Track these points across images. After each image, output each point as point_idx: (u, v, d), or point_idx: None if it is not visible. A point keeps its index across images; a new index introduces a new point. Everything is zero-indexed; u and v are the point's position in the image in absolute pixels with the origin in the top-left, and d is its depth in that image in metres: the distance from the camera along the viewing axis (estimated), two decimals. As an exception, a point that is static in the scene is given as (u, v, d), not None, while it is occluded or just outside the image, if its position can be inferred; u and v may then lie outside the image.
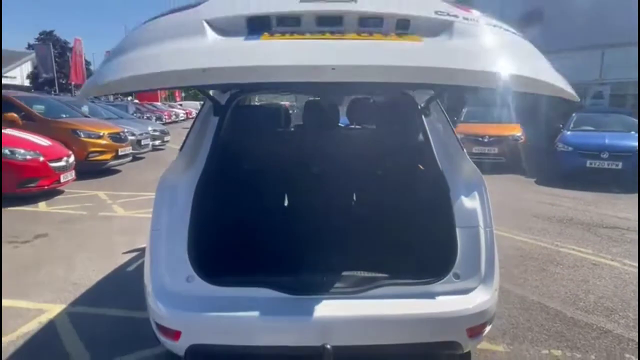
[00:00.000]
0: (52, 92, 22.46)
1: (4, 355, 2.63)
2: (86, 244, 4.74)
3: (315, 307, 1.94)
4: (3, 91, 10.10)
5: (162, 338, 2.08)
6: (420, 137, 2.63)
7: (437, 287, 2.06)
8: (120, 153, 9.54)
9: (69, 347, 2.71)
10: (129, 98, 29.55)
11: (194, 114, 16.52)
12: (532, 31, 13.83)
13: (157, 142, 13.62)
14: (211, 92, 2.63)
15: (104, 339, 2.79)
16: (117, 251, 4.45)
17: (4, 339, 2.79)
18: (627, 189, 8.03)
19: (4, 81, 35.81)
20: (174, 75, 1.57)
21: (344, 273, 2.20)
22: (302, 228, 2.59)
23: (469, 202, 2.23)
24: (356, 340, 2.00)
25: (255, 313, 1.93)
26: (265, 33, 1.61)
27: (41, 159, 6.69)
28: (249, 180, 2.70)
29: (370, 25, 1.65)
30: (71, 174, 7.35)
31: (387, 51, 1.55)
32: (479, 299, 2.06)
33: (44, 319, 3.07)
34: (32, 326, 2.96)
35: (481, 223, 2.20)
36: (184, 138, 2.60)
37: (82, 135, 9.01)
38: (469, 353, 2.59)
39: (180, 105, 36.50)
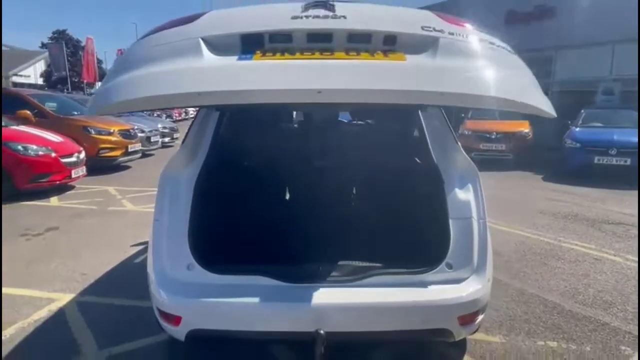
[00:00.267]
0: (65, 90, 22.82)
1: (17, 339, 2.74)
2: (96, 237, 4.87)
3: (310, 295, 2.01)
4: (17, 89, 10.33)
5: (164, 324, 2.17)
6: (417, 131, 2.68)
7: (429, 276, 2.12)
8: (130, 149, 9.71)
9: (77, 334, 2.81)
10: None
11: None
12: (543, 27, 13.72)
13: (166, 139, 13.81)
14: None
15: (111, 327, 2.89)
16: (125, 244, 4.57)
17: (16, 325, 2.91)
18: (635, 186, 7.94)
19: (19, 80, 36.49)
20: (172, 98, 1.66)
21: (339, 262, 2.26)
22: (300, 219, 2.66)
23: (463, 194, 2.28)
24: (349, 327, 2.07)
25: (253, 300, 2.00)
26: (258, 52, 1.67)
27: (53, 154, 6.86)
28: (249, 173, 2.78)
29: (359, 41, 1.70)
30: (82, 170, 7.52)
31: (370, 74, 1.59)
32: (471, 288, 2.11)
33: (54, 307, 3.19)
34: (42, 314, 3.08)
35: (474, 215, 2.25)
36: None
37: (93, 132, 9.20)
38: (464, 342, 2.67)
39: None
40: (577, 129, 9.74)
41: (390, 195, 2.70)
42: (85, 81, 26.52)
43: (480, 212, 2.27)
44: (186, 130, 2.77)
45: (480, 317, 2.24)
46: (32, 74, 40.64)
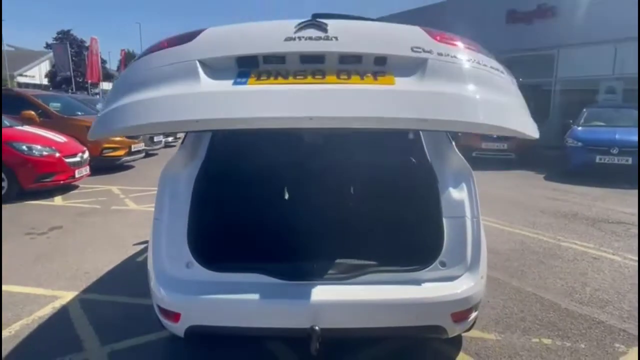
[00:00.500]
0: (69, 90, 22.96)
1: (21, 336, 2.81)
2: (99, 236, 4.94)
3: (306, 292, 2.05)
4: (22, 90, 10.42)
5: (164, 320, 2.22)
6: (411, 131, 2.72)
7: (423, 274, 2.16)
8: (133, 149, 9.79)
9: (79, 330, 2.87)
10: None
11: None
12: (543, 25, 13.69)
13: (169, 139, 13.88)
14: None
15: (113, 324, 2.95)
16: (127, 243, 4.63)
17: (21, 322, 2.98)
18: (636, 185, 7.96)
19: (23, 80, 36.76)
20: (170, 124, 1.74)
21: (335, 260, 2.31)
22: (296, 218, 2.71)
23: (456, 194, 2.32)
24: (344, 323, 2.11)
25: (249, 297, 2.05)
26: (253, 76, 1.72)
27: (57, 154, 6.94)
28: (247, 173, 2.83)
29: (350, 62, 1.75)
30: (86, 170, 7.61)
31: (360, 100, 1.62)
32: (464, 285, 2.15)
33: (57, 304, 3.25)
34: (46, 311, 3.14)
35: (468, 213, 2.29)
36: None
37: (97, 132, 9.26)
38: (459, 339, 2.71)
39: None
40: (579, 128, 9.74)
41: (385, 194, 2.75)
42: (89, 81, 26.66)
43: (473, 211, 2.31)
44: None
45: (473, 314, 2.28)
46: (37, 74, 40.96)
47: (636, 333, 2.91)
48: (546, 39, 13.77)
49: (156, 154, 12.08)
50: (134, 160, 10.11)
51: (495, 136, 10.78)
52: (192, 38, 1.84)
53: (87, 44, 35.84)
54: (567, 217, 6.01)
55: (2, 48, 24.21)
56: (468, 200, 2.32)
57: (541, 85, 15.26)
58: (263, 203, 2.82)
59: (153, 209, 2.38)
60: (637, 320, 3.09)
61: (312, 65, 1.74)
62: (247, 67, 1.76)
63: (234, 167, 2.75)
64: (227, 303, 2.08)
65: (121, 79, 1.97)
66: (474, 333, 2.77)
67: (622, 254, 4.47)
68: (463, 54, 1.81)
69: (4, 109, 7.44)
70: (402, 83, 1.70)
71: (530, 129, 1.74)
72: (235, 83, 1.71)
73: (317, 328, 1.96)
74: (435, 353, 2.64)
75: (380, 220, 2.68)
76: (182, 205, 2.26)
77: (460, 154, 2.59)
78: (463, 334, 2.68)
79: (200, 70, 1.72)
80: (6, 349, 2.66)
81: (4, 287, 3.50)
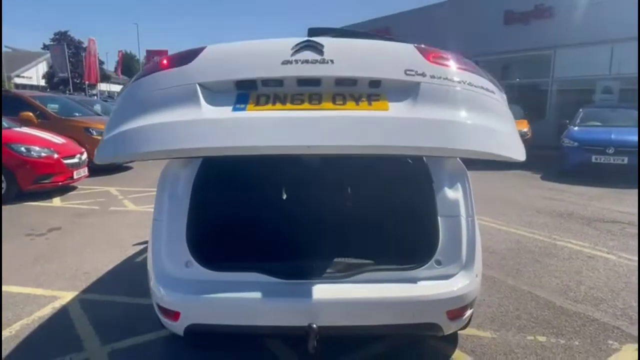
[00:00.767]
0: (67, 92, 22.95)
1: (22, 336, 2.83)
2: (98, 237, 4.96)
3: (304, 291, 2.09)
4: (19, 91, 10.43)
5: (164, 319, 2.25)
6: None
7: (419, 272, 2.19)
8: (131, 150, 9.78)
9: (79, 330, 2.90)
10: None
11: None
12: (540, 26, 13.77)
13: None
14: None
15: (113, 324, 2.97)
16: (126, 243, 4.66)
17: (21, 322, 3.00)
18: (633, 184, 8.03)
19: (21, 81, 36.68)
20: (172, 152, 1.79)
21: (332, 259, 2.34)
22: (294, 218, 2.75)
23: (451, 193, 2.35)
24: (341, 321, 2.14)
25: (248, 295, 2.08)
26: (251, 101, 1.77)
27: (55, 156, 6.96)
28: (245, 173, 2.86)
29: (345, 84, 1.80)
30: (84, 171, 7.63)
31: (355, 128, 1.68)
32: (459, 283, 2.18)
33: (57, 304, 3.28)
34: (46, 311, 3.17)
35: (463, 213, 2.32)
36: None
37: (95, 133, 9.29)
38: (455, 337, 2.75)
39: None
40: (575, 128, 9.80)
41: (381, 194, 2.78)
42: (87, 82, 26.64)
43: (468, 210, 2.35)
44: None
45: (469, 312, 2.32)
46: (34, 75, 40.85)
47: (629, 330, 2.95)
48: (543, 39, 13.86)
49: (154, 155, 12.07)
50: (132, 161, 10.11)
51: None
52: (192, 59, 1.87)
53: (84, 45, 35.80)
54: (562, 216, 6.06)
55: (2, 49, 24.19)
56: (463, 199, 2.35)
57: (538, 85, 15.36)
58: (261, 203, 2.86)
59: (151, 210, 2.41)
60: (630, 318, 3.13)
61: (309, 88, 1.80)
62: (246, 89, 1.81)
63: (233, 167, 2.78)
64: (226, 302, 2.11)
65: (124, 100, 1.99)
66: (469, 331, 2.81)
67: (617, 253, 4.52)
68: (455, 75, 1.85)
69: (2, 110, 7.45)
70: (395, 109, 1.75)
71: (517, 153, 1.79)
72: (235, 109, 1.75)
73: (314, 326, 2.00)
74: (432, 351, 2.68)
75: (376, 219, 2.71)
76: (182, 205, 2.29)
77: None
78: (459, 332, 2.71)
79: (200, 94, 1.76)
80: (7, 349, 2.68)
81: (3, 288, 3.52)
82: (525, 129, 11.19)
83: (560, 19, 13.47)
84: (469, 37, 15.09)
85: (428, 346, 2.71)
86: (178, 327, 2.20)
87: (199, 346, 2.67)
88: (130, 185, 8.05)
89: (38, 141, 7.07)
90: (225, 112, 1.74)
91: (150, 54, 27.95)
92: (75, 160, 7.33)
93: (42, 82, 40.20)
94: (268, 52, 1.88)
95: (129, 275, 3.88)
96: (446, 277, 2.20)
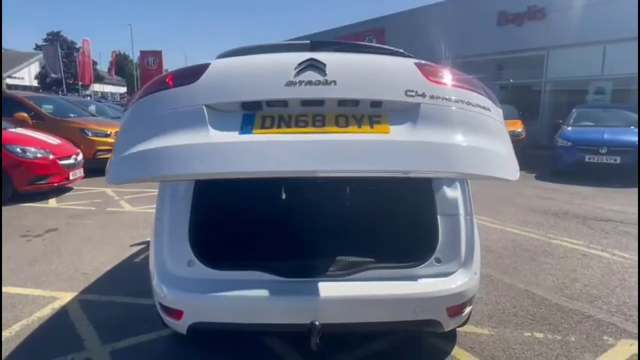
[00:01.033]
0: (60, 92, 22.81)
1: (22, 336, 2.83)
2: (95, 238, 4.95)
3: (306, 289, 2.12)
4: (13, 91, 10.36)
5: (166, 318, 2.27)
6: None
7: (419, 270, 2.23)
8: (127, 151, 9.75)
9: (80, 330, 2.90)
10: (135, 97, 29.78)
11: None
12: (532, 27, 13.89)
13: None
14: None
15: (113, 323, 2.98)
16: (124, 244, 4.66)
17: (21, 322, 3.00)
18: (625, 183, 8.16)
19: (13, 82, 36.39)
20: (180, 176, 1.84)
21: (334, 258, 2.37)
22: (296, 217, 2.77)
23: (450, 192, 2.39)
24: (343, 318, 2.17)
25: (251, 294, 2.11)
26: (257, 121, 1.81)
27: (51, 157, 6.93)
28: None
29: (348, 105, 1.84)
30: (80, 172, 7.60)
31: (358, 153, 1.73)
32: (458, 281, 2.22)
33: (57, 305, 3.28)
34: (45, 312, 3.17)
35: (462, 211, 2.36)
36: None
37: (90, 134, 9.27)
38: (454, 334, 2.79)
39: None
40: (569, 128, 9.91)
41: (381, 193, 2.81)
42: (80, 83, 26.51)
43: (467, 209, 2.39)
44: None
45: (468, 309, 2.35)
46: (27, 75, 40.56)
47: (624, 326, 3.00)
48: (536, 40, 13.99)
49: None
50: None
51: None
52: (197, 77, 1.88)
53: (77, 46, 35.57)
54: (557, 215, 6.14)
55: (1, 50, 23.94)
56: (462, 198, 2.39)
57: (531, 85, 15.49)
58: (263, 202, 2.88)
59: (148, 211, 2.43)
60: (624, 314, 3.19)
61: (312, 109, 1.84)
62: (252, 110, 1.85)
63: None
64: (229, 300, 2.13)
65: (131, 118, 2.01)
66: (468, 328, 2.84)
67: (611, 251, 4.59)
68: (453, 94, 1.88)
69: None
70: (396, 132, 1.79)
71: (510, 174, 1.85)
72: (242, 131, 1.79)
73: (317, 323, 2.02)
74: (432, 348, 2.71)
75: (377, 218, 2.74)
76: (184, 204, 2.30)
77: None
78: (458, 329, 2.75)
79: (207, 116, 1.79)
80: (8, 349, 2.68)
81: (2, 289, 3.51)
82: (519, 129, 11.29)
83: (553, 20, 13.60)
84: (462, 38, 15.19)
85: (428, 343, 2.74)
86: (181, 325, 2.21)
87: (201, 345, 2.69)
88: (126, 186, 8.01)
89: (33, 142, 7.03)
90: (233, 136, 1.77)
91: (145, 54, 27.85)
92: (71, 161, 7.31)
93: (35, 83, 39.92)
94: (272, 72, 1.90)
95: (128, 275, 3.88)
96: (446, 274, 2.24)
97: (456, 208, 2.36)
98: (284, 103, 1.84)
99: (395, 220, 2.63)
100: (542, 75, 14.59)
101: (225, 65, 2.09)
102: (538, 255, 4.44)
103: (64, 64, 26.85)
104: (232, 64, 2.12)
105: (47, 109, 9.69)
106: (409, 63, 1.99)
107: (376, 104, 1.85)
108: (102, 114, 12.15)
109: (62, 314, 3.16)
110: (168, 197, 2.36)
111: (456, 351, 2.68)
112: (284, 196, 3.18)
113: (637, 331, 2.94)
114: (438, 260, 2.25)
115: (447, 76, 1.95)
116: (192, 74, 1.91)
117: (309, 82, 1.81)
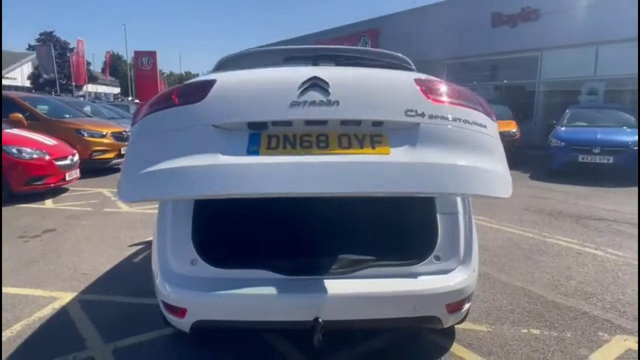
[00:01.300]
0: (53, 93, 22.67)
1: (24, 336, 2.84)
2: (93, 238, 4.95)
3: (309, 287, 2.15)
4: (8, 92, 10.31)
5: (170, 316, 2.29)
6: None
7: (419, 268, 2.27)
8: (123, 152, 9.73)
9: (81, 330, 2.91)
10: (130, 98, 29.76)
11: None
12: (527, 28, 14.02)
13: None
14: None
15: (114, 323, 2.99)
16: (123, 244, 4.67)
17: (22, 322, 3.01)
18: (618, 183, 8.28)
19: (5, 82, 36.08)
20: (192, 196, 1.92)
21: (336, 256, 2.40)
22: (298, 216, 2.80)
23: None
24: (345, 315, 2.21)
25: (255, 292, 2.13)
26: (264, 141, 1.87)
27: (47, 157, 6.91)
28: None
29: (350, 124, 1.91)
30: (76, 172, 7.58)
31: (360, 175, 1.79)
32: (457, 278, 2.26)
33: (57, 305, 3.28)
34: (46, 312, 3.17)
35: (460, 210, 2.41)
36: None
37: (86, 135, 9.24)
38: (452, 331, 2.83)
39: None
40: (562, 129, 10.01)
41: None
42: (74, 83, 26.37)
43: (466, 207, 2.43)
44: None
45: (467, 305, 2.40)
46: (19, 76, 40.27)
47: (618, 322, 3.06)
48: (530, 41, 14.12)
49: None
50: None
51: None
52: (203, 94, 1.91)
53: (71, 46, 35.36)
54: (552, 214, 6.21)
55: (1, 50, 23.74)
56: (460, 197, 2.44)
57: (525, 86, 15.62)
58: (266, 201, 2.90)
59: (145, 211, 2.45)
60: (618, 310, 3.25)
61: (316, 128, 1.90)
62: (258, 129, 1.90)
63: None
64: (232, 298, 2.15)
65: (140, 136, 2.04)
66: (466, 325, 2.89)
67: (605, 249, 4.66)
68: (451, 113, 1.94)
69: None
70: (396, 153, 1.85)
71: (503, 191, 1.92)
72: (249, 152, 1.84)
73: (320, 320, 2.06)
74: (431, 344, 2.75)
75: (378, 217, 2.78)
76: (187, 204, 2.33)
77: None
78: (456, 326, 2.80)
79: (215, 136, 1.84)
80: (9, 349, 2.69)
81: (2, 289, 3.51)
82: (514, 130, 11.40)
83: (547, 21, 13.74)
84: (457, 39, 15.30)
85: (427, 340, 2.79)
86: (184, 324, 2.23)
87: (203, 343, 2.71)
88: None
89: (29, 143, 7.01)
90: (240, 157, 1.82)
91: (139, 54, 27.78)
92: (67, 161, 7.29)
93: (27, 83, 39.64)
94: (276, 91, 1.95)
95: (128, 275, 3.89)
96: (445, 271, 2.28)
97: (455, 207, 2.41)
98: (288, 123, 1.90)
99: (396, 219, 2.67)
100: (536, 76, 14.73)
101: (231, 82, 2.12)
102: (533, 254, 4.50)
103: (57, 65, 26.70)
104: (237, 81, 2.16)
105: (42, 109, 9.64)
106: (409, 80, 2.04)
107: (377, 123, 1.92)
108: (97, 115, 12.11)
109: (62, 313, 3.17)
110: None
111: (455, 347, 2.72)
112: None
113: (631, 327, 3.00)
114: (437, 258, 2.29)
115: (446, 93, 2.01)
116: (199, 91, 1.95)
117: (313, 103, 1.87)
